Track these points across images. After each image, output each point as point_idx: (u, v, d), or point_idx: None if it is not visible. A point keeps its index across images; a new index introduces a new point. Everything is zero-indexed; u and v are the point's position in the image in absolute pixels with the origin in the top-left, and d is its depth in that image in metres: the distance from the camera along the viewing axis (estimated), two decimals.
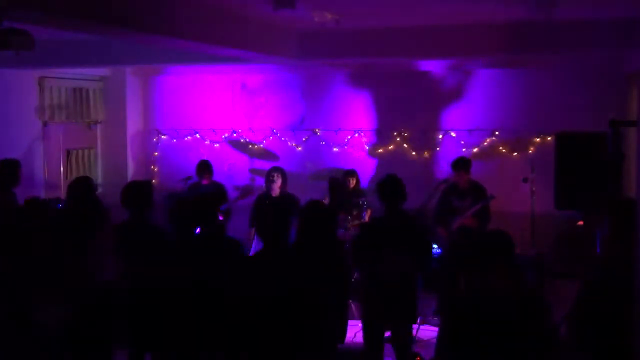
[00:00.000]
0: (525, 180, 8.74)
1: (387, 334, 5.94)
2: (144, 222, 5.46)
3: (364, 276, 5.84)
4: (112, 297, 4.65)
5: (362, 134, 10.08)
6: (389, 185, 5.72)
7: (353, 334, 7.22)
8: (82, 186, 5.87)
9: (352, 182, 9.07)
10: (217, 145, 10.61)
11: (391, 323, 5.77)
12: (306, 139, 10.28)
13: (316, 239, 4.68)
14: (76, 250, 4.34)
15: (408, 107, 9.96)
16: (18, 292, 4.10)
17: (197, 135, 10.64)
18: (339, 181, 8.79)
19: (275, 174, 8.70)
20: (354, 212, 8.49)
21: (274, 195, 8.63)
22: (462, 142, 9.72)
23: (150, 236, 5.38)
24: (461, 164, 8.16)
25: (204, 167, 9.21)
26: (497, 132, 9.60)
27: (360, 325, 7.41)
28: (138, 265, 5.07)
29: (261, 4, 5.97)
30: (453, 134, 9.77)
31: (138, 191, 5.50)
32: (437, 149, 9.84)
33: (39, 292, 4.08)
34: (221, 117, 10.59)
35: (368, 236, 5.81)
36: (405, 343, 5.81)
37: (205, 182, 9.15)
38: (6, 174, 6.57)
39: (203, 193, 8.31)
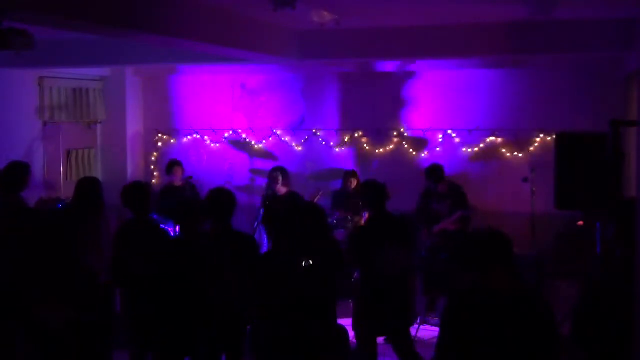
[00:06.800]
0: (525, 180, 8.74)
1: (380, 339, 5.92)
2: (147, 220, 5.58)
3: (362, 275, 5.75)
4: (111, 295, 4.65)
5: (362, 134, 10.08)
6: (374, 190, 5.73)
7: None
8: (88, 187, 5.94)
9: (354, 183, 9.07)
10: (217, 145, 10.61)
11: (390, 326, 5.70)
12: (306, 139, 10.28)
13: (311, 238, 4.67)
14: (78, 249, 4.35)
15: (408, 107, 9.96)
16: (20, 293, 4.10)
17: (197, 135, 10.64)
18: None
19: (277, 174, 8.73)
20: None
21: (279, 194, 8.65)
22: (462, 142, 9.71)
23: (155, 234, 5.46)
24: (439, 174, 8.25)
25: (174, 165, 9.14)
26: (497, 132, 9.60)
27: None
28: (142, 261, 5.10)
29: (261, 4, 5.97)
30: (453, 134, 9.76)
31: (139, 191, 5.62)
32: (437, 149, 9.83)
33: (41, 293, 4.08)
34: (221, 117, 10.58)
35: (367, 235, 5.77)
36: (407, 345, 5.76)
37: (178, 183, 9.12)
38: (14, 177, 6.54)
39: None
